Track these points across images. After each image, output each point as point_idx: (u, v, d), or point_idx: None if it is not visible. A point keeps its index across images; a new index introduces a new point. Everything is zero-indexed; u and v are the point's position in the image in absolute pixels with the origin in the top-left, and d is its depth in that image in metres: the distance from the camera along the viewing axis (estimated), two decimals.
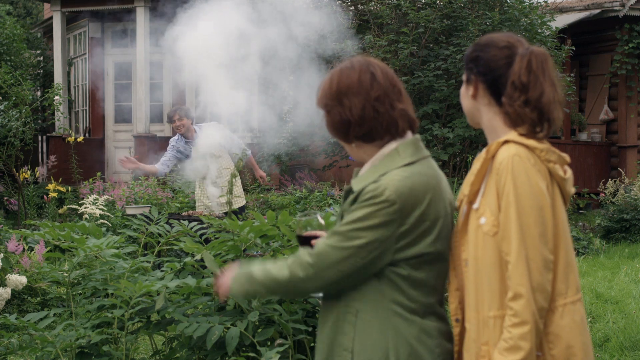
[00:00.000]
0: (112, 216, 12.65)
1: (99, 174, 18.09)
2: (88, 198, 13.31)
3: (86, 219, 12.40)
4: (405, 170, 3.33)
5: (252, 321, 5.12)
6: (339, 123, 3.42)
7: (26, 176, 15.91)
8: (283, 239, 5.61)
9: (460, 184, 14.75)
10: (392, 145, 3.42)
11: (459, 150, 15.44)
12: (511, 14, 15.83)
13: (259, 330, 5.27)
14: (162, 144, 18.42)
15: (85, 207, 12.64)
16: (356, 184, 3.39)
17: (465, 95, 3.47)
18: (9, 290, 9.05)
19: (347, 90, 3.39)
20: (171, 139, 11.14)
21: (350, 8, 16.77)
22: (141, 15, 19.73)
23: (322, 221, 3.89)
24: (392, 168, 3.35)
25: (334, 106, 3.41)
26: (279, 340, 5.14)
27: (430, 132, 15.39)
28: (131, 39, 20.39)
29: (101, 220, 12.03)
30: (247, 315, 4.99)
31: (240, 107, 8.82)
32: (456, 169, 15.83)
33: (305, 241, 3.83)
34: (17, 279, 9.12)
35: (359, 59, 3.50)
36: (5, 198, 16.09)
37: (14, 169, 15.27)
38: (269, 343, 5.14)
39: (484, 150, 3.34)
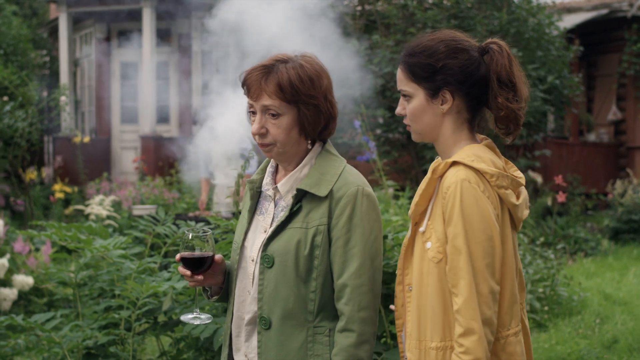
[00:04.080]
0: (119, 217, 12.62)
1: (105, 174, 18.09)
2: (94, 198, 13.32)
3: (92, 219, 12.39)
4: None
5: None
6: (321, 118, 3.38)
7: (32, 177, 15.92)
8: None
9: None
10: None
11: None
12: (519, 14, 15.78)
13: None
14: (168, 144, 18.42)
15: (91, 208, 12.63)
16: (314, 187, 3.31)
17: (430, 111, 3.16)
18: (15, 291, 9.04)
19: (329, 86, 3.39)
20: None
21: (358, 8, 16.74)
22: (147, 16, 19.72)
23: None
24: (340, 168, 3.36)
25: (322, 101, 3.36)
26: None
27: None
28: (137, 39, 20.37)
29: (108, 221, 12.01)
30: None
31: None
32: None
33: (196, 264, 3.35)
34: (24, 280, 9.11)
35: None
36: (12, 199, 16.09)
37: (20, 170, 15.26)
38: None
39: (430, 170, 3.12)
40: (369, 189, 3.29)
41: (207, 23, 8.65)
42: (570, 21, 19.63)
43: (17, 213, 16.17)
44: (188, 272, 3.35)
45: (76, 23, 21.84)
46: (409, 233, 3.22)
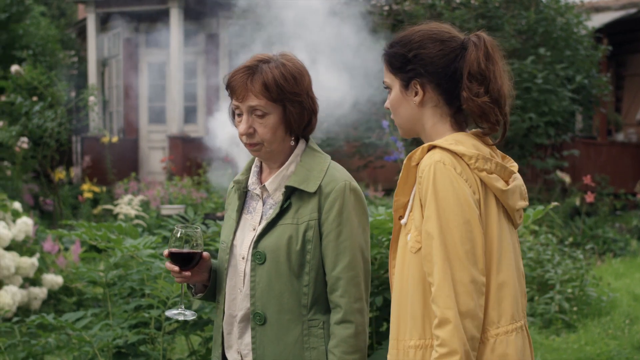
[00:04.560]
0: (147, 216, 12.67)
1: (133, 174, 18.14)
2: (123, 198, 13.36)
3: (121, 219, 12.44)
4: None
5: None
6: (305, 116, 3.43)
7: (61, 176, 15.99)
8: None
9: None
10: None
11: None
12: (547, 14, 15.73)
13: None
14: (196, 144, 18.46)
15: (120, 208, 12.68)
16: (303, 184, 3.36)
17: (405, 103, 3.06)
18: (45, 290, 9.10)
19: (310, 83, 3.44)
20: None
21: (385, 8, 16.73)
22: (175, 16, 19.77)
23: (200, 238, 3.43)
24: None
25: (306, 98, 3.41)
26: None
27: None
28: (165, 39, 20.43)
29: (136, 221, 12.05)
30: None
31: None
32: None
33: (184, 260, 3.38)
34: (53, 279, 9.17)
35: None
36: (41, 198, 16.16)
37: (49, 170, 15.33)
38: None
39: (406, 158, 2.99)
40: (355, 183, 3.35)
41: (236, 21, 8.67)
42: (598, 20, 19.54)
43: (46, 213, 16.25)
44: (176, 268, 3.37)
45: (104, 23, 21.93)
46: (394, 228, 3.12)
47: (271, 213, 3.38)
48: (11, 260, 8.74)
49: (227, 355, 3.51)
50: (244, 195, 3.54)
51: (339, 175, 3.35)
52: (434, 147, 2.93)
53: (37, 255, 9.27)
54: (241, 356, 3.45)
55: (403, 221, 3.03)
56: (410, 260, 2.94)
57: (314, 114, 3.44)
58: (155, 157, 20.89)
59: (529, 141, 15.64)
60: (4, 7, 19.31)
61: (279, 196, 3.40)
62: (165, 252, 3.38)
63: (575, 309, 9.27)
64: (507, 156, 3.14)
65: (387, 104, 3.14)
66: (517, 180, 3.05)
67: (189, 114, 20.70)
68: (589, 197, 13.73)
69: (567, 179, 15.94)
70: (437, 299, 2.79)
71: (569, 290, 9.37)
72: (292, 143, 3.43)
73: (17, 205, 9.62)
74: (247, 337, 3.41)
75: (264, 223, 3.39)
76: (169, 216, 11.27)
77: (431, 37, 3.01)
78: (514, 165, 3.09)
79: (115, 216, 13.55)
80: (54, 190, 15.06)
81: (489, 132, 3.04)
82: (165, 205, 13.26)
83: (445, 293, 2.77)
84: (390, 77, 3.10)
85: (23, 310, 8.83)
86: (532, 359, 3.07)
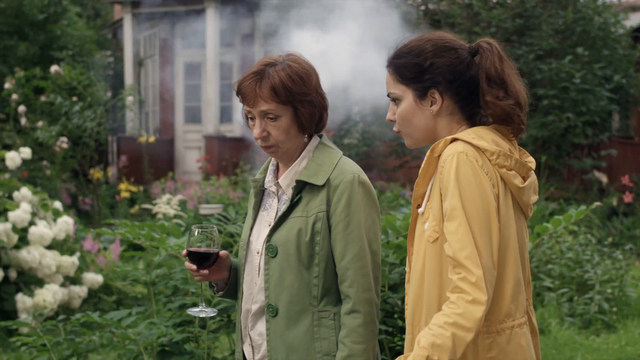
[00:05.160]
0: (186, 215, 12.73)
1: (170, 173, 18.21)
2: (161, 198, 13.42)
3: (160, 218, 12.50)
4: None
5: None
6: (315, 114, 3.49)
7: (99, 176, 16.09)
8: None
9: None
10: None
11: (531, 151, 15.31)
12: (584, 13, 15.65)
13: None
14: (232, 144, 18.52)
15: (159, 207, 12.75)
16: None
17: (420, 113, 3.10)
18: (85, 289, 9.18)
19: (318, 81, 3.51)
20: None
21: (421, 7, 16.71)
22: (211, 16, 19.83)
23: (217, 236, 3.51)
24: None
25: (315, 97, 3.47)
26: None
27: None
28: (201, 39, 20.49)
29: (175, 220, 12.10)
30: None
31: None
32: None
33: (201, 259, 3.46)
34: (94, 278, 9.25)
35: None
36: (80, 197, 16.27)
37: (90, 169, 15.43)
38: None
39: (430, 149, 3.03)
40: (364, 176, 3.40)
41: (272, 21, 8.70)
42: (636, 20, 19.40)
43: (82, 212, 16.35)
44: (194, 267, 3.46)
45: (140, 23, 22.04)
46: (412, 218, 3.18)
47: (283, 208, 3.45)
48: (52, 259, 8.83)
49: (243, 347, 3.61)
50: (261, 193, 3.62)
51: (348, 168, 3.41)
52: (455, 139, 2.98)
53: (78, 254, 9.35)
54: (252, 348, 3.54)
55: (420, 210, 3.08)
56: (427, 250, 3.00)
57: (325, 110, 3.52)
58: (190, 157, 20.97)
59: (567, 141, 15.57)
60: (41, 8, 19.46)
61: (291, 191, 3.48)
62: (184, 251, 3.48)
63: (614, 309, 9.22)
64: (525, 151, 3.17)
65: (392, 117, 3.19)
66: (532, 177, 3.11)
67: (225, 114, 20.75)
68: (627, 197, 13.64)
69: (604, 179, 15.85)
70: (453, 242, 2.84)
71: (609, 291, 9.32)
72: (306, 140, 3.53)
73: (57, 204, 9.71)
74: (259, 328, 3.50)
75: (277, 218, 3.47)
76: (208, 215, 11.33)
77: (444, 46, 3.08)
78: (531, 162, 3.11)
79: (153, 216, 13.62)
80: (93, 190, 15.14)
81: (516, 133, 3.11)
82: (203, 205, 13.31)
83: (466, 238, 2.84)
84: (401, 88, 3.13)
85: (63, 308, 8.91)
86: (537, 343, 3.20)
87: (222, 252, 3.52)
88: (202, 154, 19.82)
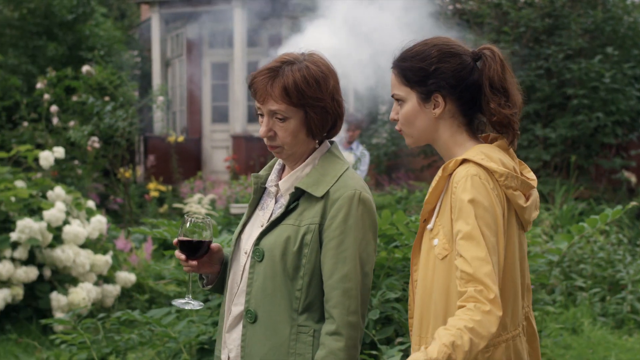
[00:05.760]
0: (217, 215, 12.77)
1: (199, 173, 18.25)
2: (193, 197, 13.48)
3: None
4: None
5: (372, 319, 5.13)
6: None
7: (128, 175, 16.16)
8: (401, 237, 5.61)
9: (563, 184, 14.61)
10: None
11: (560, 151, 15.28)
12: (614, 13, 15.61)
13: (379, 328, 5.29)
14: (259, 143, 18.54)
15: (190, 206, 12.80)
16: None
17: (423, 115, 3.15)
18: (118, 287, 9.24)
19: (336, 86, 3.38)
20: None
21: (449, 7, 16.70)
22: (238, 16, 19.87)
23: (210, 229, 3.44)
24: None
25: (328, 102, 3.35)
26: (400, 339, 5.14)
27: (531, 132, 15.26)
28: (228, 39, 20.55)
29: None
30: (368, 314, 5.01)
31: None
32: (557, 169, 15.66)
33: (192, 249, 3.39)
34: (127, 277, 9.30)
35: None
36: (112, 197, 16.34)
37: (120, 169, 15.51)
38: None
39: (441, 169, 3.08)
40: (366, 194, 3.28)
41: (299, 22, 8.70)
42: None
43: (111, 211, 16.42)
44: (183, 257, 3.37)
45: (168, 24, 22.11)
46: (419, 233, 3.21)
47: (278, 212, 3.34)
48: (86, 257, 8.89)
49: (216, 348, 3.52)
50: (260, 190, 3.50)
51: (351, 182, 3.28)
52: (466, 160, 3.03)
53: (111, 253, 9.41)
54: (228, 352, 3.42)
55: (429, 226, 3.11)
56: (436, 266, 3.04)
57: (340, 117, 3.38)
58: (218, 157, 21.01)
59: (596, 140, 15.53)
60: (70, 9, 19.56)
61: (288, 196, 3.36)
62: (175, 240, 3.39)
63: None
64: (525, 165, 3.23)
65: (396, 116, 3.22)
66: (534, 194, 3.16)
67: (252, 114, 20.79)
68: None
69: (632, 178, 15.81)
70: (464, 248, 2.89)
71: None
72: (316, 145, 3.40)
73: (90, 203, 9.77)
74: (235, 333, 3.39)
75: (270, 221, 3.35)
76: (240, 215, 11.32)
77: (449, 52, 3.11)
78: (532, 179, 3.16)
79: (182, 215, 13.64)
80: (124, 189, 15.22)
81: (512, 140, 3.17)
82: (233, 204, 13.32)
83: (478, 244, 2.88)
84: (405, 90, 3.16)
85: (97, 307, 8.96)
86: (536, 347, 3.25)
87: (214, 245, 3.44)
88: (230, 154, 19.86)
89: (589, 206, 13.90)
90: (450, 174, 3.05)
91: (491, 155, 3.05)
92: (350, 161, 9.99)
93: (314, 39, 8.33)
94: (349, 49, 8.22)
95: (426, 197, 3.14)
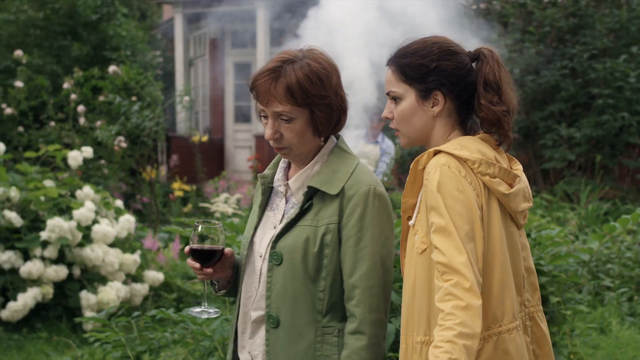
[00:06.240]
0: (243, 214, 12.81)
1: (224, 172, 18.30)
2: (219, 197, 13.51)
3: (217, 217, 12.59)
4: None
5: None
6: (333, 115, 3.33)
7: (152, 175, 16.21)
8: None
9: (587, 184, 14.58)
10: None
11: (585, 150, 15.24)
12: (639, 12, 15.57)
13: None
14: None
15: (217, 206, 12.84)
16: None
17: (420, 113, 3.12)
18: (146, 286, 9.28)
19: (339, 82, 3.33)
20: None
21: (473, 7, 16.68)
22: (261, 16, 19.91)
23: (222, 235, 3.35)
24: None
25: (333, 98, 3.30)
26: None
27: (556, 132, 15.23)
28: (251, 39, 20.60)
29: (232, 219, 12.17)
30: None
31: (359, 105, 8.84)
32: (582, 169, 15.63)
33: (206, 256, 3.31)
34: (155, 276, 9.34)
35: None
36: (138, 196, 16.39)
37: (147, 168, 15.56)
38: None
39: (414, 162, 3.05)
40: (381, 188, 3.23)
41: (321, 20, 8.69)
42: None
43: (136, 211, 16.47)
44: (197, 265, 3.30)
45: (190, 23, 22.17)
46: (402, 228, 3.19)
47: (292, 213, 3.28)
48: (115, 256, 8.94)
49: (240, 355, 3.43)
50: (268, 190, 3.43)
51: (365, 178, 3.24)
52: (439, 151, 3.01)
53: (139, 252, 9.46)
54: (252, 357, 3.36)
55: (411, 222, 3.09)
56: (416, 261, 3.02)
57: (344, 112, 3.33)
58: (241, 156, 21.07)
59: (621, 140, 15.48)
60: (94, 9, 19.63)
61: (301, 196, 3.30)
62: (186, 248, 3.32)
63: None
64: (515, 160, 3.22)
65: (390, 115, 3.20)
66: (522, 183, 3.12)
67: None
68: None
69: None
70: (440, 244, 2.87)
71: None
72: (322, 143, 3.35)
73: (119, 202, 9.83)
74: (259, 338, 3.33)
75: (284, 222, 3.29)
76: None
77: (450, 50, 3.11)
78: (518, 169, 3.14)
79: (210, 214, 13.68)
80: (150, 189, 15.26)
81: (502, 140, 3.15)
82: None
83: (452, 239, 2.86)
84: (403, 87, 3.14)
85: (125, 306, 9.01)
86: (529, 356, 3.14)
87: (227, 250, 3.35)
88: (253, 153, 19.90)
89: (614, 206, 13.86)
90: (425, 168, 3.03)
91: (467, 145, 3.04)
92: (375, 154, 10.03)
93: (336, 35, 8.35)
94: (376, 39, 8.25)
95: (403, 192, 3.11)
